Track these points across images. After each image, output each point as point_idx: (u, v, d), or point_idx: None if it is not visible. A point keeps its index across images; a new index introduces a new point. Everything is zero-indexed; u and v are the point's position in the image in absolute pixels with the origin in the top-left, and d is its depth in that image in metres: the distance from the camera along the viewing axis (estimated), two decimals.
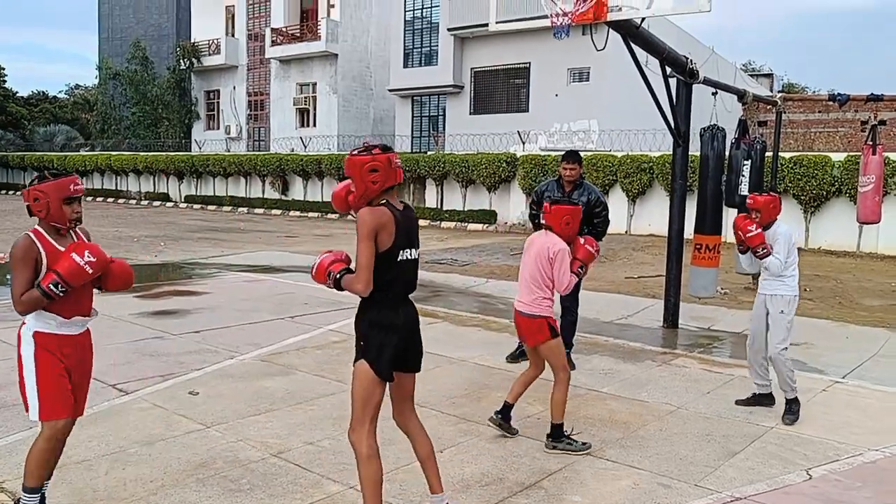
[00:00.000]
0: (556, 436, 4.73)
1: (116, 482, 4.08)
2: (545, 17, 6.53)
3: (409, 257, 3.38)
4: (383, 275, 3.28)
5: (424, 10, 30.20)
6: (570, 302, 6.90)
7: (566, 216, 4.75)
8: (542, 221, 4.84)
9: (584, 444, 4.74)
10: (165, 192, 36.22)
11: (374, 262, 3.24)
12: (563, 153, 6.94)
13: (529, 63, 27.14)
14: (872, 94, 10.63)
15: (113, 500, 3.87)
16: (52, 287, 3.32)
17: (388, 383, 3.41)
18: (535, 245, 4.84)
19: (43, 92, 61.00)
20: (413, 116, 31.62)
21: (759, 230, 5.47)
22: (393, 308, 3.37)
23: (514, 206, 23.51)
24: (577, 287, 6.92)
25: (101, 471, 4.23)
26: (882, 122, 10.63)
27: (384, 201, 3.30)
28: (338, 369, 6.51)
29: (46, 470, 3.49)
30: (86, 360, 3.64)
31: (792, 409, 5.44)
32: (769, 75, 48.31)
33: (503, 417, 4.99)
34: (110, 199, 37.79)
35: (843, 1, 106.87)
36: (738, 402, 5.81)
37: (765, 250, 5.45)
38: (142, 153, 37.88)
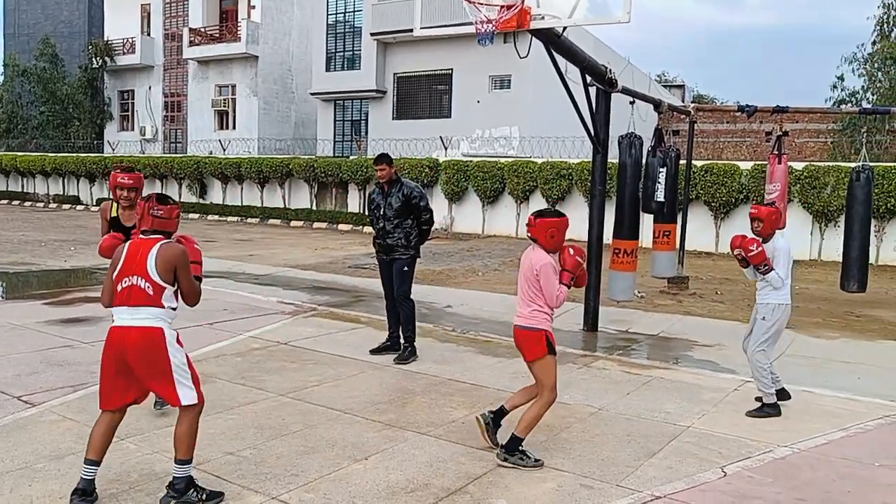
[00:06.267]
0: (511, 448, 4.58)
1: (22, 499, 3.88)
2: (470, 23, 6.59)
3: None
4: None
5: (347, 15, 30.03)
6: (403, 297, 7.26)
7: (551, 228, 4.62)
8: (528, 234, 4.73)
9: (536, 460, 4.58)
10: (76, 194, 34.77)
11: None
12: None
13: (452, 69, 27.32)
14: (778, 105, 11.11)
15: None
16: None
17: None
18: (525, 261, 4.72)
19: None
20: (335, 120, 31.36)
21: (761, 249, 5.70)
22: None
23: (436, 210, 23.21)
24: (410, 282, 7.28)
25: (6, 488, 4.01)
26: (785, 133, 11.11)
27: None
28: (258, 377, 6.37)
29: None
30: None
31: (762, 409, 5.76)
32: (681, 86, 50.05)
33: (495, 421, 4.88)
34: (16, 202, 35.96)
35: (746, 19, 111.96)
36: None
37: (766, 267, 5.73)
38: (50, 154, 36.27)
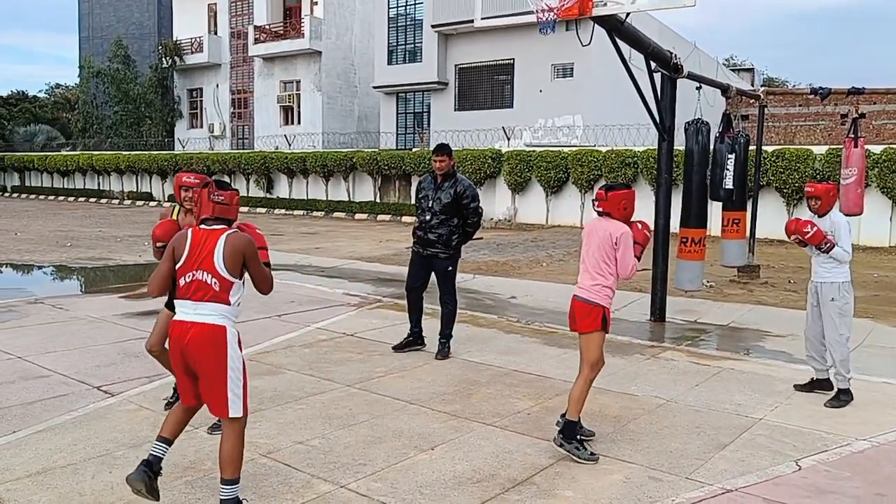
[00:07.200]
0: (568, 435, 4.50)
1: (103, 486, 4.03)
2: (531, 12, 6.53)
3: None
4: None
5: (408, 7, 30.13)
6: (448, 296, 7.05)
7: (623, 200, 4.68)
8: (599, 209, 4.75)
9: (592, 454, 4.48)
10: (148, 191, 35.95)
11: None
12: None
13: (513, 59, 27.14)
14: (854, 87, 10.66)
15: None
16: None
17: None
18: (597, 232, 4.72)
19: (22, 92, 60.30)
20: (398, 113, 31.56)
21: (816, 229, 5.56)
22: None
23: (499, 201, 23.51)
24: (453, 281, 7.07)
25: (88, 475, 4.18)
26: (861, 115, 10.64)
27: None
28: (326, 368, 6.48)
29: None
30: None
31: (840, 398, 5.60)
32: (750, 70, 48.46)
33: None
34: (92, 199, 37.46)
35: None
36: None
37: (828, 245, 5.56)
38: (124, 152, 37.57)
